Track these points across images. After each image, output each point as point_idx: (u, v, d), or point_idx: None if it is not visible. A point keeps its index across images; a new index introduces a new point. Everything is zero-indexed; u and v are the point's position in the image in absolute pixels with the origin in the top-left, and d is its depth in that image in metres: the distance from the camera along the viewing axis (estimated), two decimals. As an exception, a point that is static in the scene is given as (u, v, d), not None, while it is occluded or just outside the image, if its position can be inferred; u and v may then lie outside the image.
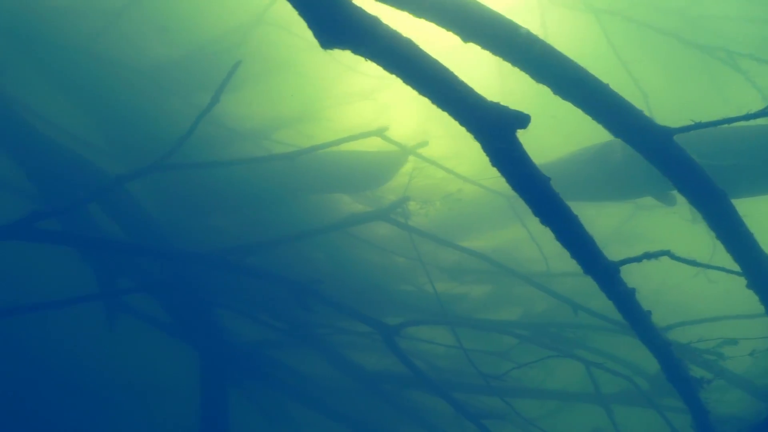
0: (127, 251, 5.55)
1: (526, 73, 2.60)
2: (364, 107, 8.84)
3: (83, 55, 7.66)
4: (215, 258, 5.16)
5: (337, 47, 2.18)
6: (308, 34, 7.96)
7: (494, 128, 2.27)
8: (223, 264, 5.17)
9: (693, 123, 2.84)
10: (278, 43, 8.35)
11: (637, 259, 2.92)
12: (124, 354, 8.24)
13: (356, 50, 2.19)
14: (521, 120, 2.29)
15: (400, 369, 8.10)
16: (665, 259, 3.11)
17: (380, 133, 5.49)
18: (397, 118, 9.10)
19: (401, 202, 5.36)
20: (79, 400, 8.67)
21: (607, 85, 2.74)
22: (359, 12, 2.16)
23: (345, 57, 8.74)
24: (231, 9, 8.07)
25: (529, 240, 8.48)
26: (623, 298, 3.02)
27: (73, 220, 6.57)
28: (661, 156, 2.88)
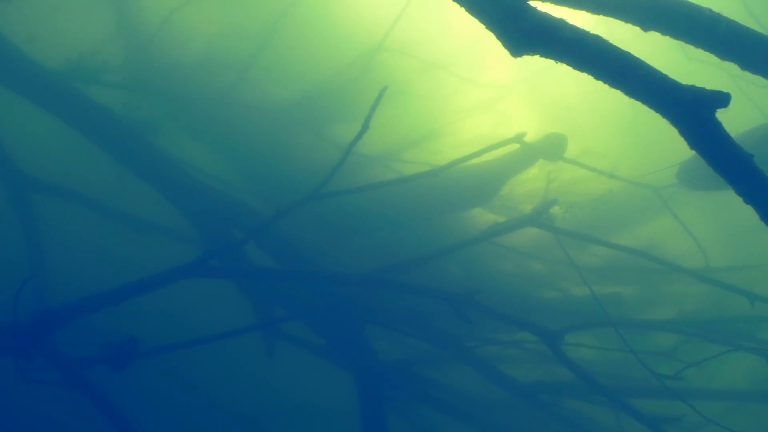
0: (292, 279, 5.87)
1: (711, 52, 2.53)
2: (485, 118, 8.87)
3: (220, 105, 8.30)
4: (371, 278, 5.34)
5: (526, 53, 2.24)
6: (423, 55, 8.02)
7: (694, 111, 2.22)
8: (381, 283, 5.33)
9: None
10: (394, 67, 8.60)
11: None
12: (283, 380, 8.67)
13: (545, 53, 2.24)
14: (721, 99, 2.23)
15: (551, 379, 7.90)
16: None
17: (519, 139, 5.49)
18: (519, 126, 9.04)
19: (549, 206, 5.29)
20: (244, 427, 9.21)
21: (799, 53, 2.60)
22: (545, 17, 2.21)
23: (461, 71, 8.83)
24: (348, 43, 8.44)
25: (674, 234, 8.05)
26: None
27: (229, 256, 7.07)
28: None
